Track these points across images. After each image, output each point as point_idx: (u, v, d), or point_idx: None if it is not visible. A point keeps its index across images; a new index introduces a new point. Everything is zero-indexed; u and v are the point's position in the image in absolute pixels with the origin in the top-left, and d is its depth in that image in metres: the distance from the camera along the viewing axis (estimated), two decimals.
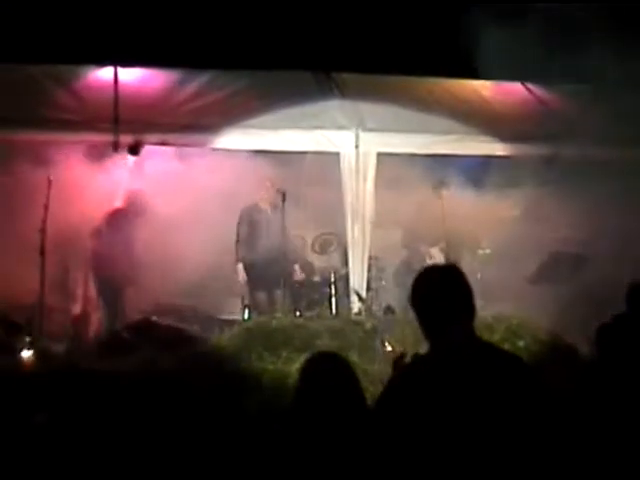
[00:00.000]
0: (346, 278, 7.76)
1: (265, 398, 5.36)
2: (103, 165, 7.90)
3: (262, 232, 8.33)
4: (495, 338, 5.72)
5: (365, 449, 3.11)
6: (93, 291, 8.27)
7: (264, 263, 8.16)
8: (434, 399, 2.85)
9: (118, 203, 8.36)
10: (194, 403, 5.02)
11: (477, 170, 8.58)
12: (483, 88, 8.57)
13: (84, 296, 8.27)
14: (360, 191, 7.51)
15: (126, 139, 7.13)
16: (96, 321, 8.21)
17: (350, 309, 7.41)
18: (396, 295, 8.43)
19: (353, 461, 3.14)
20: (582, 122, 7.57)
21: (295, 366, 5.35)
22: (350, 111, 7.74)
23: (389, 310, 7.91)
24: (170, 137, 7.31)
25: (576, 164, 7.62)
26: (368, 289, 7.66)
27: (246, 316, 8.02)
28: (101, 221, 8.11)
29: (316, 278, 8.93)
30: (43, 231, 7.03)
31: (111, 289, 8.12)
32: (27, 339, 6.36)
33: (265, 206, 8.47)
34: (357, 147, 7.51)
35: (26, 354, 6.19)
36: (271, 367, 5.87)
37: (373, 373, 5.42)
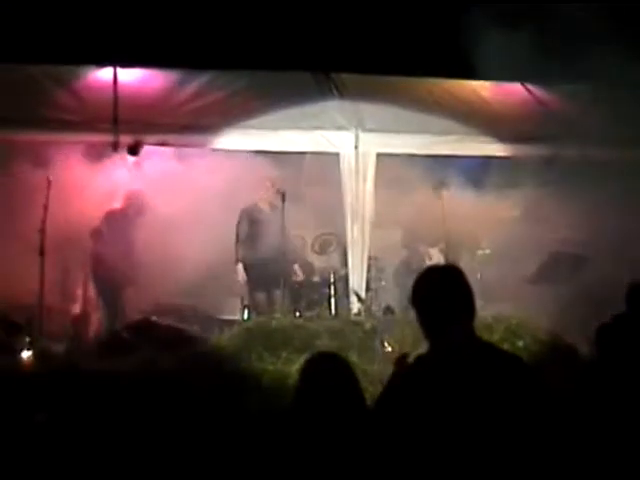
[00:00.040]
0: (346, 278, 7.76)
1: (265, 398, 5.36)
2: (103, 165, 7.91)
3: (262, 232, 8.32)
4: (494, 338, 5.71)
5: (365, 449, 3.11)
6: (93, 291, 8.27)
7: (264, 263, 8.15)
8: (434, 399, 2.86)
9: (118, 203, 8.36)
10: (194, 403, 5.02)
11: (477, 171, 8.58)
12: (483, 89, 8.57)
13: (84, 296, 8.27)
14: (360, 191, 7.51)
15: (126, 139, 7.13)
16: (96, 321, 8.22)
17: (350, 309, 7.41)
18: (396, 295, 8.43)
19: (353, 461, 3.15)
20: (582, 123, 7.57)
21: (295, 366, 5.35)
22: (349, 112, 7.74)
23: (388, 310, 7.91)
24: (170, 137, 7.31)
25: (576, 165, 7.62)
26: (367, 289, 7.66)
27: (246, 316, 8.01)
28: (101, 221, 8.12)
29: (316, 278, 8.92)
30: (43, 231, 7.03)
31: (111, 289, 8.13)
32: (27, 339, 6.36)
33: (265, 206, 8.47)
34: (357, 148, 7.51)
35: (26, 354, 6.18)
36: (271, 367, 5.87)
37: (373, 373, 5.41)
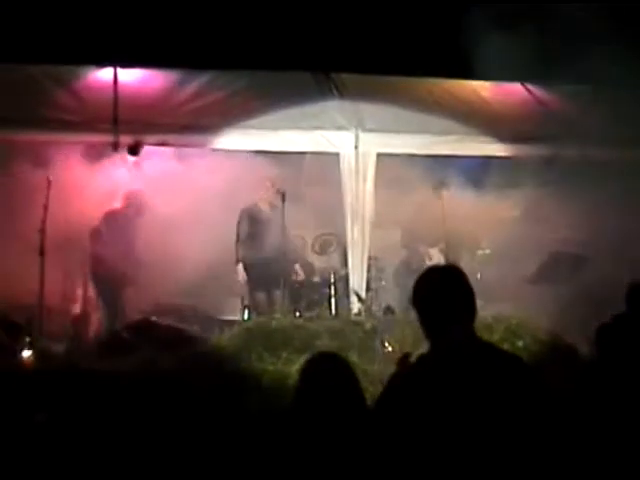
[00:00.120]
0: (346, 278, 7.76)
1: (265, 398, 5.36)
2: (103, 165, 7.91)
3: (262, 232, 8.32)
4: (494, 338, 5.71)
5: (365, 449, 3.11)
6: (92, 291, 8.27)
7: (264, 263, 8.15)
8: (434, 399, 2.86)
9: (118, 203, 8.36)
10: (194, 403, 5.02)
11: (477, 171, 8.58)
12: (483, 89, 8.57)
13: (84, 296, 8.27)
14: (360, 192, 7.51)
15: (126, 139, 7.13)
16: (96, 321, 8.21)
17: (350, 309, 7.41)
18: (396, 295, 8.43)
19: (353, 461, 3.15)
20: (582, 123, 7.58)
21: (295, 367, 5.35)
22: (349, 112, 7.74)
23: (389, 310, 7.91)
24: (170, 137, 7.31)
25: (576, 165, 7.62)
26: (368, 289, 7.66)
27: (246, 316, 8.01)
28: (100, 221, 8.12)
29: (316, 278, 8.92)
30: (43, 231, 7.02)
31: (111, 289, 8.13)
32: (27, 339, 6.35)
33: (265, 206, 8.46)
34: (357, 148, 7.51)
35: (26, 354, 6.18)
36: (271, 367, 5.87)
37: (373, 373, 5.42)
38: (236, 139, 7.42)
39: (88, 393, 5.01)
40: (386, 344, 6.17)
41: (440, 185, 8.28)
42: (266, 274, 8.17)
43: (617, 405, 3.72)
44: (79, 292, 8.32)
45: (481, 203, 8.24)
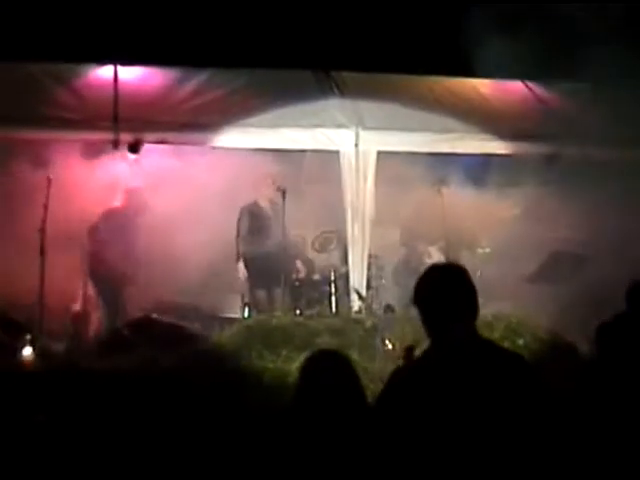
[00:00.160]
0: (346, 276, 7.75)
1: (265, 396, 5.36)
2: (103, 163, 7.91)
3: (262, 229, 8.32)
4: (495, 336, 5.71)
5: (365, 447, 3.11)
6: (92, 290, 8.26)
7: (264, 260, 8.15)
8: (435, 397, 2.86)
9: (117, 201, 8.36)
10: (194, 401, 5.02)
11: (477, 169, 8.57)
12: (483, 86, 8.56)
13: (84, 295, 8.26)
14: (360, 189, 7.50)
15: (126, 137, 7.12)
16: (96, 320, 8.20)
17: (350, 307, 7.41)
18: (395, 294, 8.42)
19: (354, 459, 3.15)
20: (582, 121, 7.57)
21: (295, 364, 5.35)
22: (350, 109, 7.74)
23: (389, 308, 7.91)
24: (170, 135, 7.31)
25: (576, 164, 7.63)
26: (368, 287, 7.65)
27: (246, 314, 8.02)
28: (100, 219, 8.11)
29: (316, 276, 8.91)
30: (43, 230, 7.02)
31: (111, 288, 8.12)
32: (27, 338, 6.35)
33: (265, 204, 8.46)
34: (357, 145, 7.50)
35: (26, 353, 6.18)
36: (271, 365, 5.87)
37: (373, 371, 5.41)
38: (236, 137, 7.42)
39: (88, 392, 5.01)
40: (386, 342, 6.18)
41: (440, 183, 8.28)
42: (267, 271, 8.16)
43: (617, 404, 3.72)
44: (79, 291, 8.31)
45: (481, 201, 8.24)
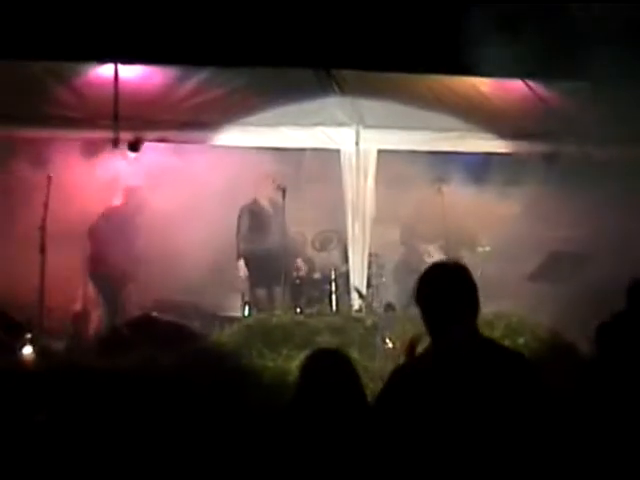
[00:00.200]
0: (346, 275, 7.75)
1: (265, 395, 5.36)
2: (103, 162, 7.91)
3: (263, 228, 8.32)
4: (495, 335, 5.69)
5: (365, 446, 3.11)
6: (92, 289, 8.26)
7: (265, 259, 8.15)
8: (436, 396, 2.85)
9: (117, 200, 8.36)
10: (194, 400, 5.02)
11: (478, 167, 8.58)
12: (483, 85, 8.57)
13: (84, 294, 8.26)
14: (360, 188, 7.50)
15: (126, 136, 7.12)
16: (96, 318, 8.21)
17: (350, 306, 7.41)
18: (395, 292, 8.42)
19: (354, 457, 3.15)
20: (582, 121, 7.57)
21: (295, 363, 5.34)
22: (350, 108, 7.74)
23: (389, 307, 7.88)
24: (170, 134, 7.31)
25: (576, 163, 7.63)
26: (368, 286, 7.65)
27: (246, 313, 8.02)
28: (99, 218, 8.11)
29: (316, 275, 8.91)
30: (43, 229, 7.02)
31: (110, 286, 8.12)
32: (27, 337, 6.35)
33: (265, 202, 8.46)
34: (357, 144, 7.50)
35: (26, 352, 6.18)
36: (271, 364, 5.87)
37: (373, 370, 5.42)
38: (236, 135, 7.42)
39: (88, 391, 5.01)
40: (387, 340, 6.18)
41: (440, 182, 8.28)
42: (267, 269, 8.16)
43: (617, 403, 3.72)
44: (79, 289, 8.31)
45: (481, 200, 8.24)
